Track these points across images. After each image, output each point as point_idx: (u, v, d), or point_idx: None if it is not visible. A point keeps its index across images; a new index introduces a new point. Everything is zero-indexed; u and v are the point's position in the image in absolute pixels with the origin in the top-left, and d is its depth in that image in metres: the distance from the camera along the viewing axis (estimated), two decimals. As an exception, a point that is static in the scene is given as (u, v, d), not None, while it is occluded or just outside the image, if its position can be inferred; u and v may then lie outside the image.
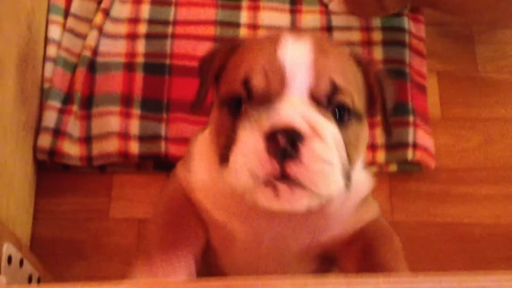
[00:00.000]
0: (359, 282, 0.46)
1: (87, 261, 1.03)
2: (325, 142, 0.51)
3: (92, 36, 1.10)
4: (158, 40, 1.12)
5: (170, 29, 1.14)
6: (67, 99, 1.07)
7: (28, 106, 1.03)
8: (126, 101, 1.08)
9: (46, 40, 1.11)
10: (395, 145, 1.06)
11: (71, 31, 1.12)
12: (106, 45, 1.11)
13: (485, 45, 1.19)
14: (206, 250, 0.66)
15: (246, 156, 0.51)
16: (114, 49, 1.11)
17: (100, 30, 1.12)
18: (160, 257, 0.58)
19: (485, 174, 1.10)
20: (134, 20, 1.14)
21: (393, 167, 1.08)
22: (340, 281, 0.46)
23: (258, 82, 0.53)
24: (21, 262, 0.83)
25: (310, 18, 1.17)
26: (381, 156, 1.06)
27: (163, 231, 0.62)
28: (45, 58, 1.09)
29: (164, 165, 1.06)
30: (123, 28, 1.13)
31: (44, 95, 1.08)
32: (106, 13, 1.13)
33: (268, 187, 0.51)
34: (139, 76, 1.10)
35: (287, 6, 1.18)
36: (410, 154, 1.05)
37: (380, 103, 0.60)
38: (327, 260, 0.66)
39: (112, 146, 1.04)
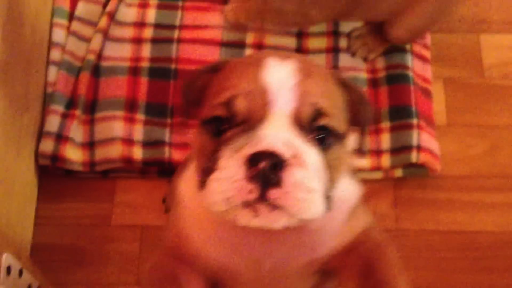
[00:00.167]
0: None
1: (88, 268, 1.02)
2: (307, 169, 0.50)
3: (97, 39, 1.10)
4: (163, 45, 1.11)
5: (176, 34, 1.13)
6: (71, 104, 1.06)
7: (31, 110, 1.02)
8: (130, 106, 1.07)
9: (50, 44, 1.10)
10: (399, 149, 1.06)
11: (76, 35, 1.11)
12: (111, 49, 1.11)
13: (492, 51, 1.19)
14: None
15: (225, 181, 0.50)
16: (119, 53, 1.11)
17: (105, 34, 1.11)
18: None
19: (491, 182, 1.09)
20: (140, 24, 1.13)
21: (398, 172, 1.08)
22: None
23: (240, 104, 0.52)
24: (21, 272, 0.82)
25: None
26: (386, 161, 1.06)
27: None
28: (48, 62, 1.08)
29: (168, 171, 1.05)
30: (128, 32, 1.12)
31: (47, 99, 1.07)
32: (111, 16, 1.12)
33: (247, 208, 0.50)
34: (143, 81, 1.09)
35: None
36: (414, 156, 1.04)
37: (359, 121, 0.60)
38: (326, 274, 0.66)
39: (115, 151, 1.03)
